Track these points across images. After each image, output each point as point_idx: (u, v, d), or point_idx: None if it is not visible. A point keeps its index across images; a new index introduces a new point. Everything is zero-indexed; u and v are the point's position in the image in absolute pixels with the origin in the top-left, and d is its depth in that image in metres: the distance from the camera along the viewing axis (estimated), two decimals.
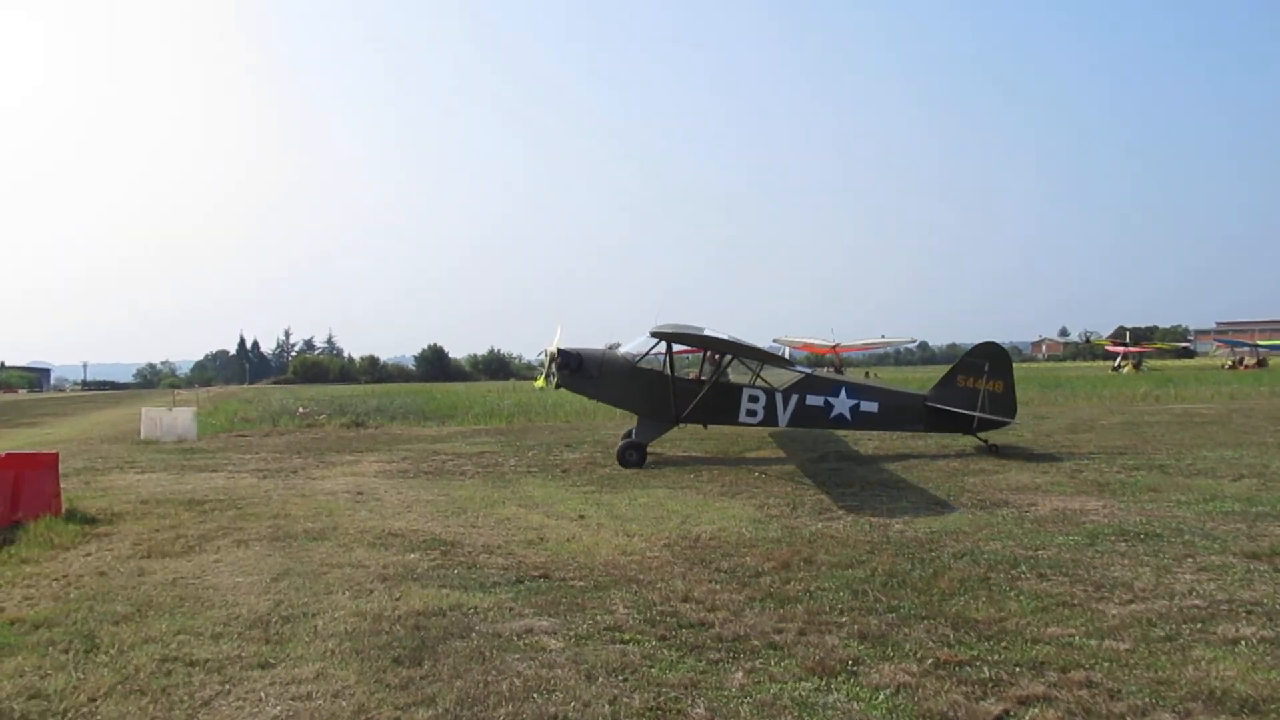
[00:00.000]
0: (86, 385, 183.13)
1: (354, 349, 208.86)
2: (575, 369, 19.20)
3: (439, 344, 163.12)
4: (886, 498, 13.99)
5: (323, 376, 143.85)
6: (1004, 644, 6.91)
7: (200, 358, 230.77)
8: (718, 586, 8.74)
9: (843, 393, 19.37)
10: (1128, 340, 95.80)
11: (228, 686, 6.08)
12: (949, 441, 20.44)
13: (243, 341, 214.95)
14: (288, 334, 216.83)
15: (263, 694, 5.93)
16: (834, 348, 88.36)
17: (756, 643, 7.01)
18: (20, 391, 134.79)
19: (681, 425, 19.94)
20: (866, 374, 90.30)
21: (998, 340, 21.01)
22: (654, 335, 18.54)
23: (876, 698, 5.90)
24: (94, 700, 5.86)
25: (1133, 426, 24.45)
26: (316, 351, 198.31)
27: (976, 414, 19.20)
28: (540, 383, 21.80)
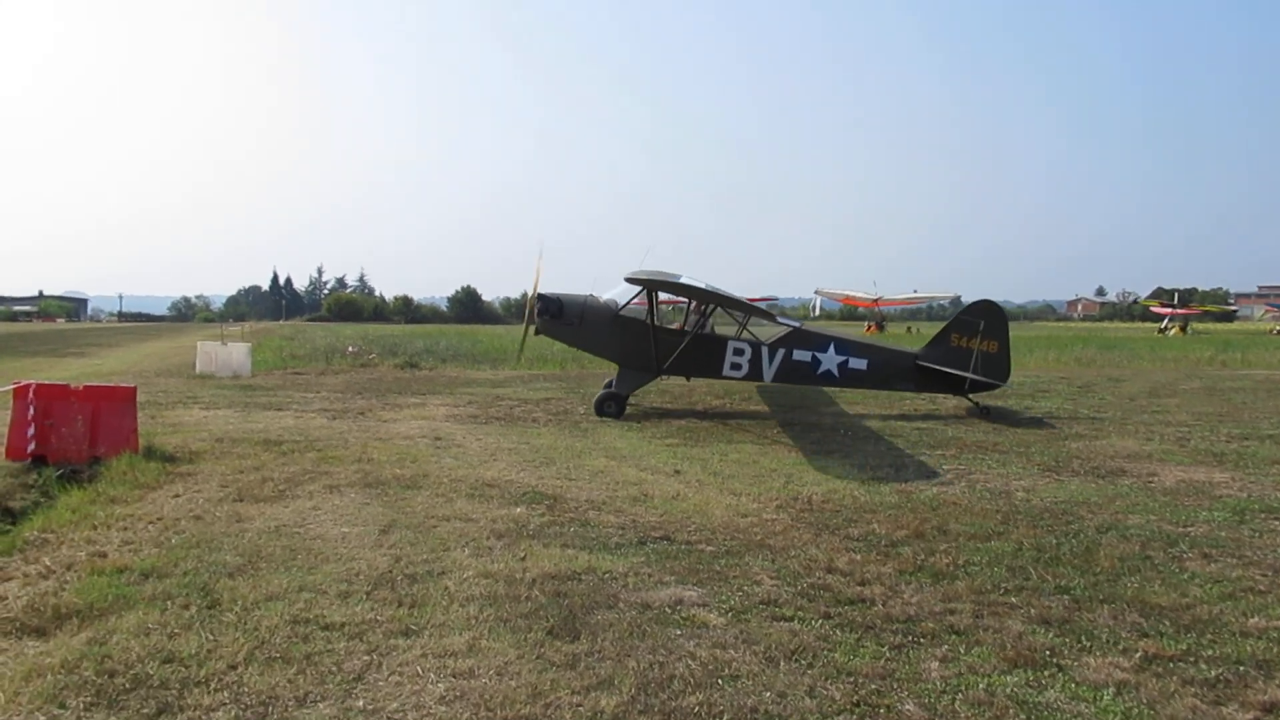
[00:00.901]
0: (122, 317, 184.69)
1: (385, 288, 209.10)
2: (555, 314, 18.38)
3: (472, 286, 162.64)
4: (992, 462, 13.28)
5: (356, 315, 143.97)
6: (1209, 636, 6.24)
7: (233, 292, 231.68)
8: (858, 556, 8.11)
9: (831, 348, 18.65)
10: (1175, 302, 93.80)
11: (376, 658, 5.52)
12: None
13: (275, 278, 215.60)
14: (320, 271, 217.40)
15: (419, 668, 5.36)
16: (876, 301, 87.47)
17: (932, 625, 6.38)
18: (59, 321, 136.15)
19: (664, 377, 19.31)
20: (908, 329, 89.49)
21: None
22: (629, 281, 17.66)
23: (1101, 698, 5.26)
24: (234, 669, 5.32)
25: (1217, 393, 23.52)
26: (348, 289, 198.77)
27: (969, 375, 18.45)
28: None
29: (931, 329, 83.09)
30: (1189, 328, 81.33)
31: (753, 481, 11.60)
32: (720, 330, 19.00)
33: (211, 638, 5.77)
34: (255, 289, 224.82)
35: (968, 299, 24.79)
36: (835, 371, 18.60)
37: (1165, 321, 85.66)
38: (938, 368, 18.61)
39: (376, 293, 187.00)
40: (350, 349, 34.27)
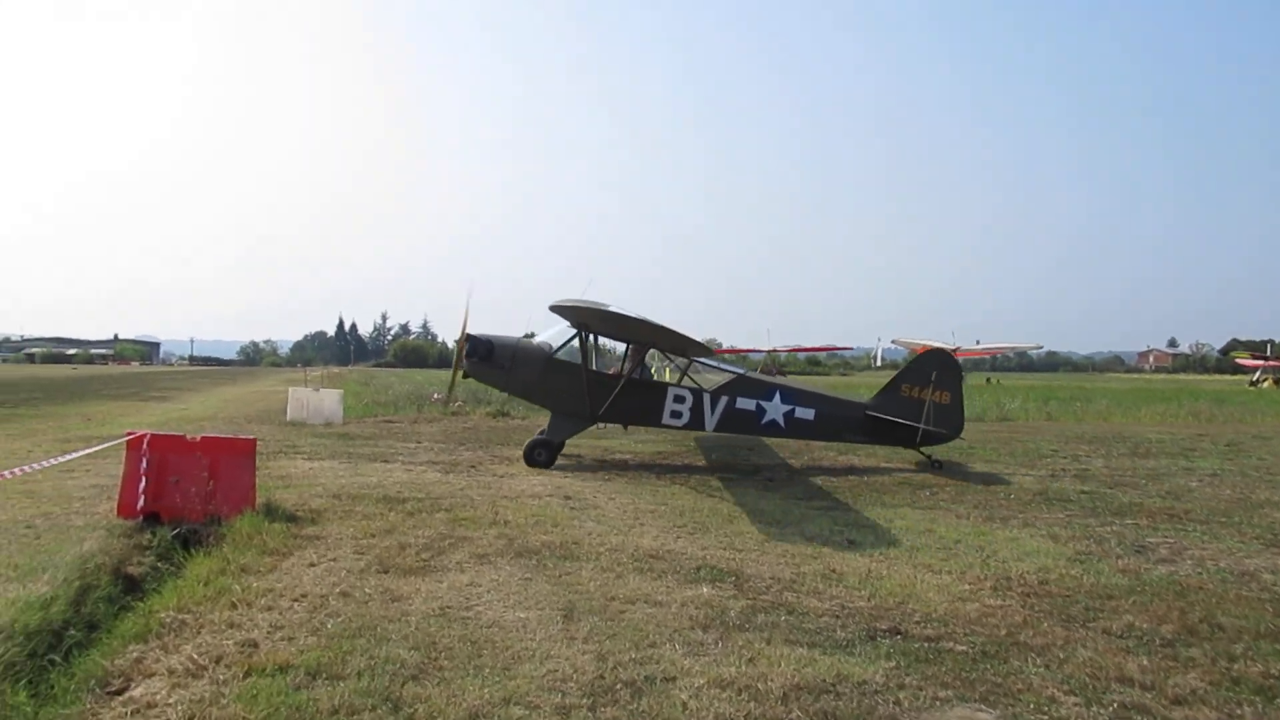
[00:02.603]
0: (193, 360, 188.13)
1: (449, 334, 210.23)
2: (485, 357, 17.30)
3: (534, 332, 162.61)
4: (1199, 534, 11.69)
5: (422, 361, 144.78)
6: None
7: (299, 338, 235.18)
8: (1144, 661, 6.66)
9: (777, 396, 17.64)
10: (1268, 354, 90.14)
11: None
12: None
13: (341, 323, 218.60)
14: (384, 317, 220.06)
15: None
16: (955, 350, 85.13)
17: None
18: (134, 364, 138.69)
19: (602, 425, 18.38)
20: (987, 380, 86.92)
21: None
22: (552, 309, 16.30)
23: None
24: None
25: None
26: (412, 335, 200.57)
27: (921, 426, 17.51)
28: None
29: (1014, 382, 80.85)
30: None
31: (943, 555, 10.18)
32: (661, 378, 18.20)
33: None
34: (320, 334, 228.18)
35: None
36: (781, 421, 17.60)
37: (1258, 374, 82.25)
38: (888, 418, 17.63)
39: (440, 339, 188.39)
40: (435, 395, 33.43)
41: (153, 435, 10.97)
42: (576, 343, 17.26)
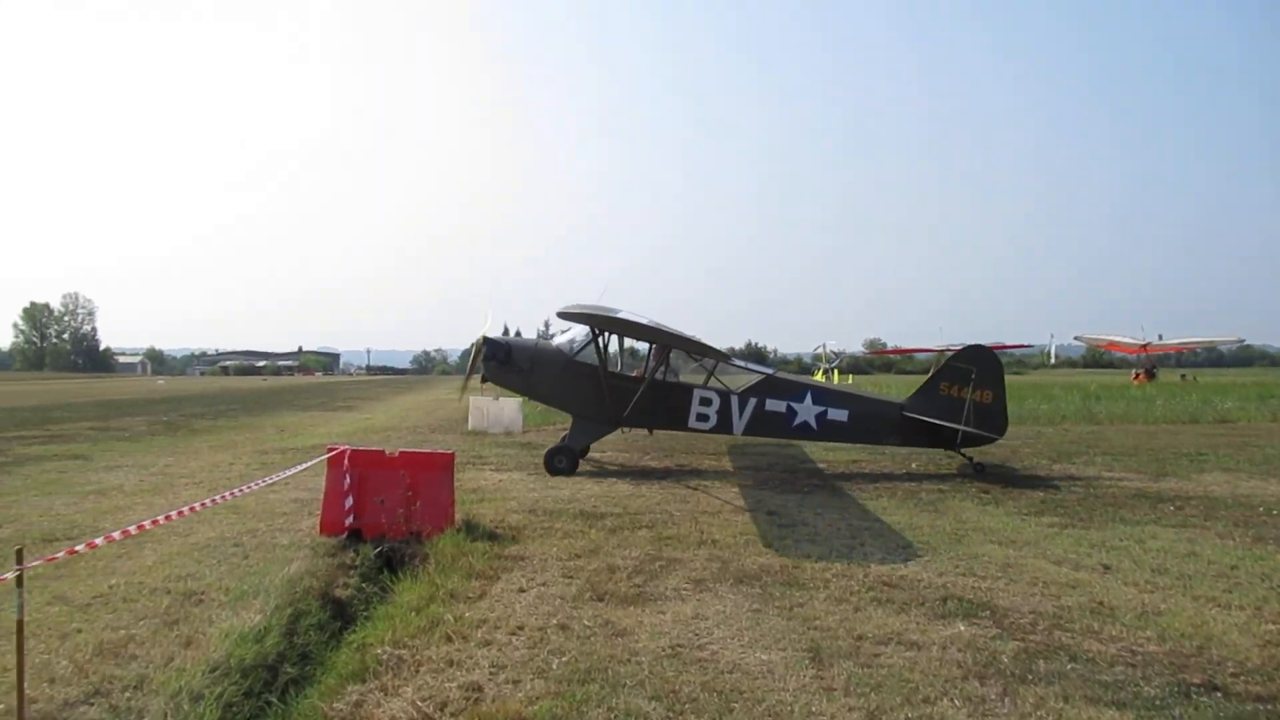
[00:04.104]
0: (370, 370, 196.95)
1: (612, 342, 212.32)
2: (503, 360, 16.72)
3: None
4: None
5: None
6: None
7: (467, 346, 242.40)
8: None
9: (808, 397, 16.82)
10: None
11: None
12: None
13: (506, 330, 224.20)
14: (547, 325, 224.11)
15: None
16: (1144, 346, 79.59)
17: None
18: (317, 374, 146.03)
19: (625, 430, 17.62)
20: (1183, 376, 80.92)
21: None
22: (560, 316, 15.47)
23: None
24: None
25: None
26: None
27: (961, 427, 16.36)
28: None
29: (1211, 377, 74.69)
30: None
31: (1224, 586, 8.75)
32: (687, 378, 17.44)
33: None
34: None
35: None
36: (813, 423, 16.83)
37: None
38: (926, 419, 16.64)
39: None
40: None
41: (353, 450, 10.75)
42: (592, 345, 16.64)
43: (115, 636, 6.68)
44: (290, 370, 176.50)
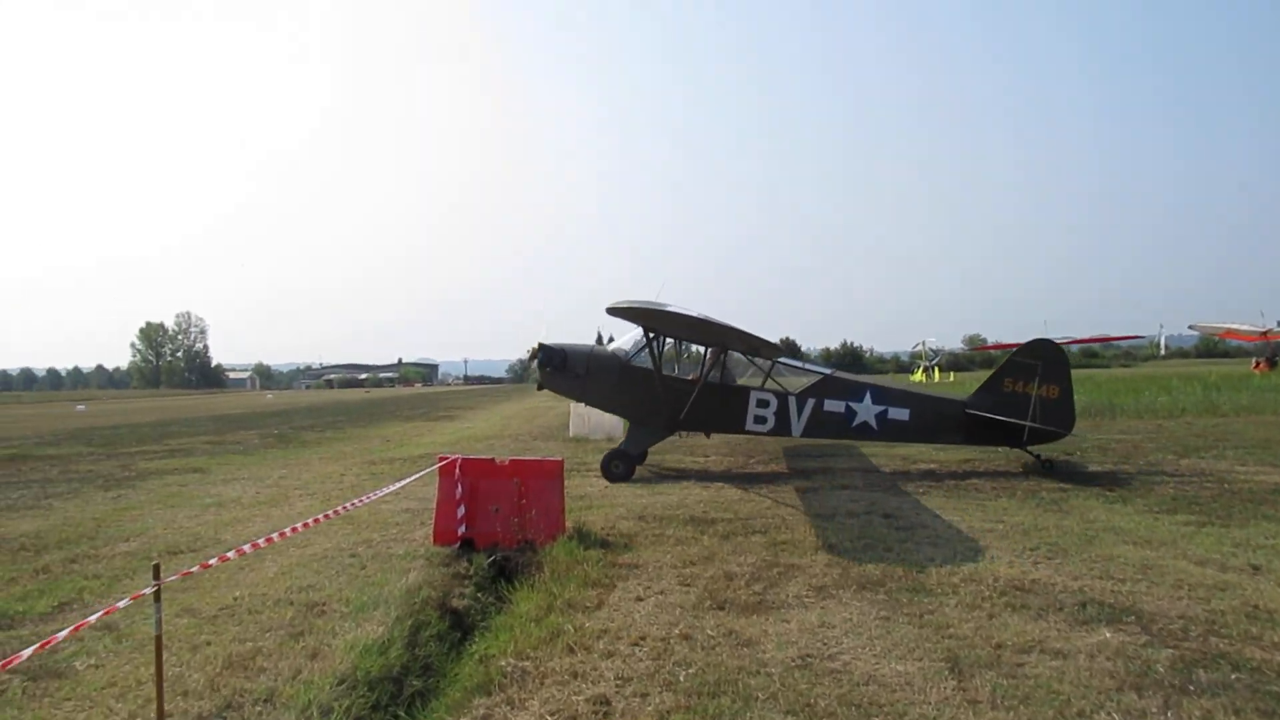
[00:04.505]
0: (467, 380, 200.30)
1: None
2: (559, 366, 16.55)
3: (791, 338, 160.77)
4: None
5: None
6: None
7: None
8: None
9: (868, 396, 16.47)
10: None
11: None
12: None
13: (599, 337, 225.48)
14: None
15: None
16: (1265, 334, 75.74)
17: None
18: (417, 385, 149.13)
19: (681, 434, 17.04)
20: None
21: None
22: (610, 312, 14.95)
23: None
24: None
25: None
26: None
27: (1028, 424, 15.93)
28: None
29: None
30: None
31: None
32: (744, 380, 17.13)
33: None
34: None
35: None
36: (873, 423, 16.49)
37: None
38: (991, 416, 16.14)
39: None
40: None
41: (464, 460, 10.79)
42: (647, 349, 16.32)
43: (243, 649, 6.76)
44: (391, 382, 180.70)
